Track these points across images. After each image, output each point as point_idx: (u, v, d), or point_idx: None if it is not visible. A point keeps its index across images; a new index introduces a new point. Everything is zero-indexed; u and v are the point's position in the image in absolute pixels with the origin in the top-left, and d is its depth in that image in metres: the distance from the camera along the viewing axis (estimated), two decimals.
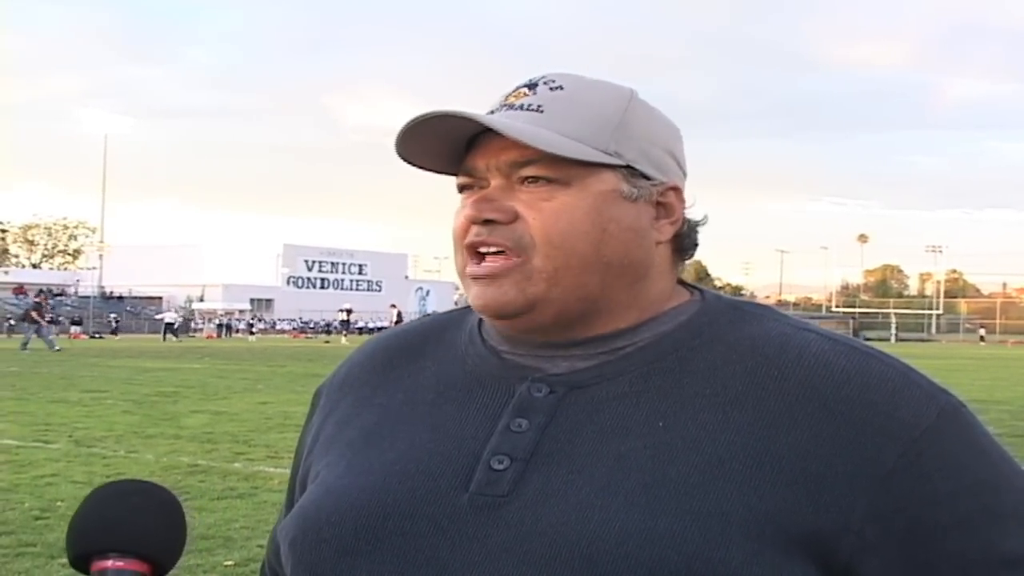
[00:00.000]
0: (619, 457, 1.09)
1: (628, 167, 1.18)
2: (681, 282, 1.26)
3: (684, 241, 1.24)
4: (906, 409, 1.09)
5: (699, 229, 1.26)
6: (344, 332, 66.40)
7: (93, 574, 1.08)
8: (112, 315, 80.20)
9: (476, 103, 1.20)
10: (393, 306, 61.75)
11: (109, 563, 1.07)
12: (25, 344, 38.58)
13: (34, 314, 39.65)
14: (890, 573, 1.06)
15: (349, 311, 71.19)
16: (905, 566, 1.06)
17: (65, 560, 5.85)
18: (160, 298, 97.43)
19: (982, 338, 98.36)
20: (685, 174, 1.25)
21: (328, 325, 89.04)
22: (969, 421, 1.13)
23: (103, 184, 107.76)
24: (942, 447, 1.08)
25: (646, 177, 1.19)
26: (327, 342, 61.13)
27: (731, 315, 1.22)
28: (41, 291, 41.40)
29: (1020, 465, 1.14)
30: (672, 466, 1.07)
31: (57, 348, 38.20)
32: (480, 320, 1.27)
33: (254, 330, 77.79)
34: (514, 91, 1.21)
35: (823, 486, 1.05)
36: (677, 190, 1.22)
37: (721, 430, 1.09)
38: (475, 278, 1.18)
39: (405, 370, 1.29)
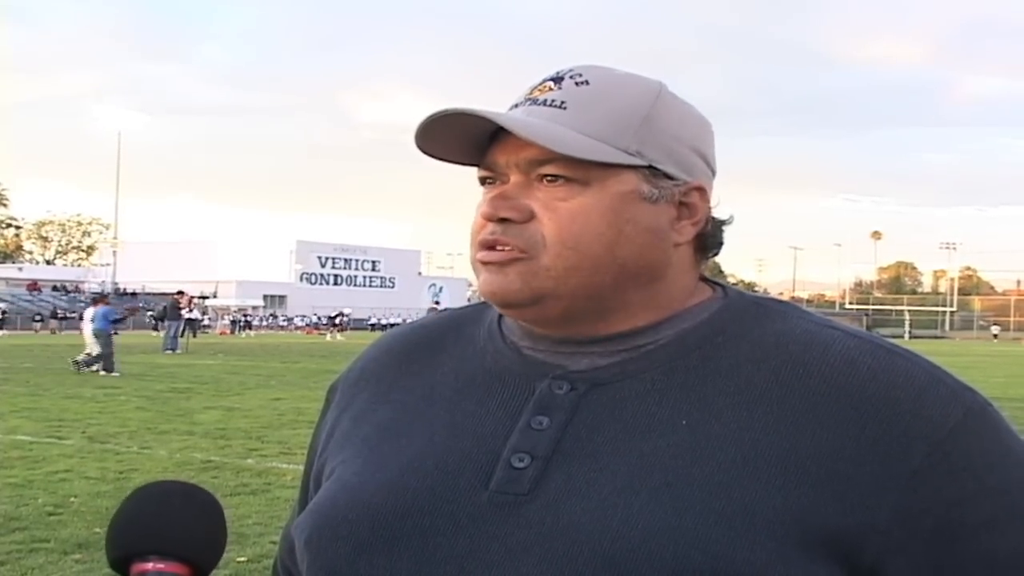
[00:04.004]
0: (641, 455, 1.08)
1: (650, 167, 1.16)
2: (703, 278, 1.24)
3: (708, 241, 1.22)
4: (932, 408, 1.08)
5: (724, 228, 1.24)
6: (333, 329, 66.55)
7: None
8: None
9: (490, 98, 1.19)
10: (436, 303, 61.47)
11: (150, 565, 1.06)
12: (173, 346, 36.01)
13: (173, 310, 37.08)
14: (917, 574, 1.04)
15: (342, 314, 71.52)
16: (932, 566, 1.04)
17: (78, 556, 5.88)
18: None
19: (995, 336, 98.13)
20: (714, 172, 1.23)
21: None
22: (996, 420, 1.11)
23: (117, 181, 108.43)
24: (969, 446, 1.07)
25: (669, 177, 1.17)
26: (334, 338, 61.42)
27: (755, 312, 1.20)
28: (180, 291, 39.51)
29: None
30: (696, 465, 1.06)
31: (178, 351, 35.40)
32: (500, 316, 1.26)
33: (253, 326, 77.92)
34: (540, 84, 1.19)
35: (849, 485, 1.04)
36: (701, 190, 1.19)
37: (745, 428, 1.08)
38: (484, 263, 1.16)
39: (423, 365, 1.28)
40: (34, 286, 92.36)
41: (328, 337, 62.26)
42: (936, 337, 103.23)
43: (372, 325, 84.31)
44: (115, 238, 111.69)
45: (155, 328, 38.92)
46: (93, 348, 25.22)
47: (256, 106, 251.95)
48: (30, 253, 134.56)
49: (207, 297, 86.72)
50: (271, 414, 15.94)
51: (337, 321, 70.53)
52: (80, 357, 25.08)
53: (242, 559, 6.84)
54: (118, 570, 1.08)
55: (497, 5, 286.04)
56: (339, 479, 1.20)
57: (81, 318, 28.12)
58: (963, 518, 1.04)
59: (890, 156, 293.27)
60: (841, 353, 1.12)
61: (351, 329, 75.94)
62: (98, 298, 27.46)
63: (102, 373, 24.06)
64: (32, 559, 6.86)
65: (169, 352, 34.87)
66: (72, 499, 8.92)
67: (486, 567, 1.05)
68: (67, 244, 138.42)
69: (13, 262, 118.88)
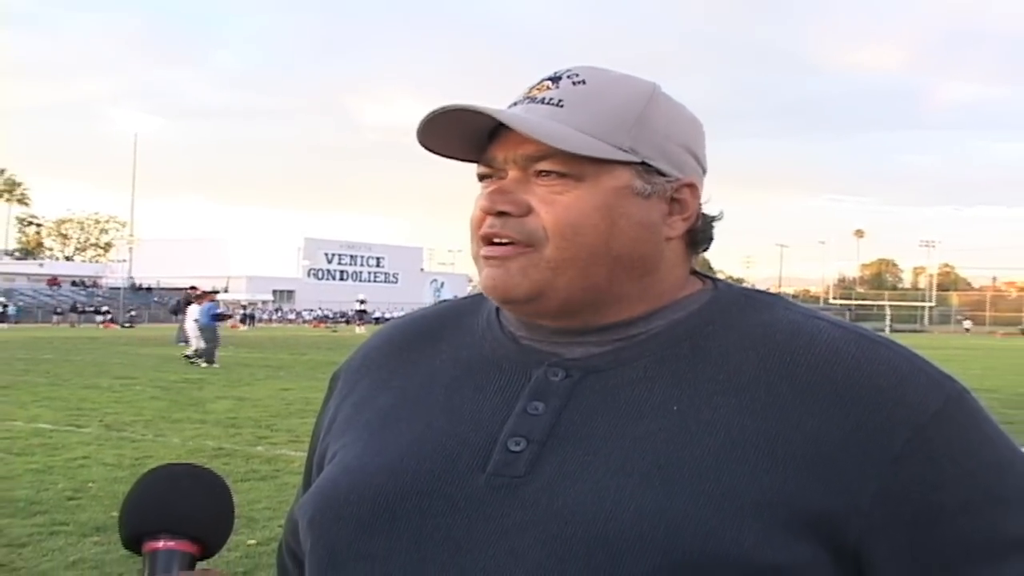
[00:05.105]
0: (634, 440, 1.07)
1: (643, 164, 1.15)
2: (694, 272, 1.24)
3: (699, 236, 1.21)
4: (914, 395, 1.07)
5: (714, 224, 1.23)
6: (359, 322, 66.61)
7: (145, 554, 1.07)
8: (131, 307, 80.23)
9: (488, 99, 1.18)
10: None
11: (160, 543, 1.06)
12: (185, 339, 33.11)
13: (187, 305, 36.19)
14: (897, 555, 1.04)
15: (363, 301, 71.19)
16: (912, 548, 1.04)
17: (96, 538, 5.87)
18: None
19: (967, 330, 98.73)
20: (704, 170, 1.22)
21: (345, 315, 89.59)
22: (974, 407, 1.11)
23: (133, 181, 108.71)
24: (949, 432, 1.06)
25: (661, 174, 1.16)
26: (335, 331, 61.29)
27: (743, 303, 1.19)
28: (193, 286, 38.81)
29: (1022, 450, 1.12)
30: (687, 449, 1.05)
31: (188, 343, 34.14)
32: (497, 306, 1.25)
33: (262, 320, 77.47)
34: (538, 84, 1.18)
35: (833, 469, 1.03)
36: (692, 187, 1.19)
37: (734, 414, 1.07)
38: (486, 258, 1.16)
39: (423, 354, 1.27)
40: (54, 281, 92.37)
41: (358, 330, 62.05)
42: (916, 331, 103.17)
43: (376, 319, 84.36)
44: (131, 235, 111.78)
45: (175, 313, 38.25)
46: (198, 342, 25.71)
47: (265, 109, 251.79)
48: (50, 250, 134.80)
49: (218, 292, 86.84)
50: (279, 404, 15.96)
51: (362, 308, 69.92)
52: (189, 352, 25.51)
53: (252, 542, 6.84)
54: (130, 548, 1.09)
55: (496, 13, 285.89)
56: (341, 462, 1.20)
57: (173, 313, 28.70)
58: (942, 501, 1.04)
59: (872, 158, 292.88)
60: (827, 343, 1.12)
61: (347, 322, 75.79)
62: (202, 295, 27.61)
63: (203, 365, 24.38)
64: (52, 541, 6.87)
65: (182, 344, 34.81)
66: (90, 484, 8.94)
67: (483, 546, 1.04)
68: (85, 241, 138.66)
69: (34, 258, 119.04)
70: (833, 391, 1.07)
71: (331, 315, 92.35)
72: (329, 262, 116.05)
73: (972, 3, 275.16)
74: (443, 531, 1.07)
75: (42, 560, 6.45)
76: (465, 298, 1.34)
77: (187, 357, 25.30)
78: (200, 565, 1.08)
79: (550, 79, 1.18)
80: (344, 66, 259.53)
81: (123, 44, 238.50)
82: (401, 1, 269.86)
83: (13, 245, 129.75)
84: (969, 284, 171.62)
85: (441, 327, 1.30)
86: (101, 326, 66.86)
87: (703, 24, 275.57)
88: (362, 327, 62.51)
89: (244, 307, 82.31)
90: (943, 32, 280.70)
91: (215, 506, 1.11)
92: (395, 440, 1.17)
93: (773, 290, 1.26)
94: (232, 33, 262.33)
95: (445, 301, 1.39)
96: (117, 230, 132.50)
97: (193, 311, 26.65)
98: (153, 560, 1.06)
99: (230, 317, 28.83)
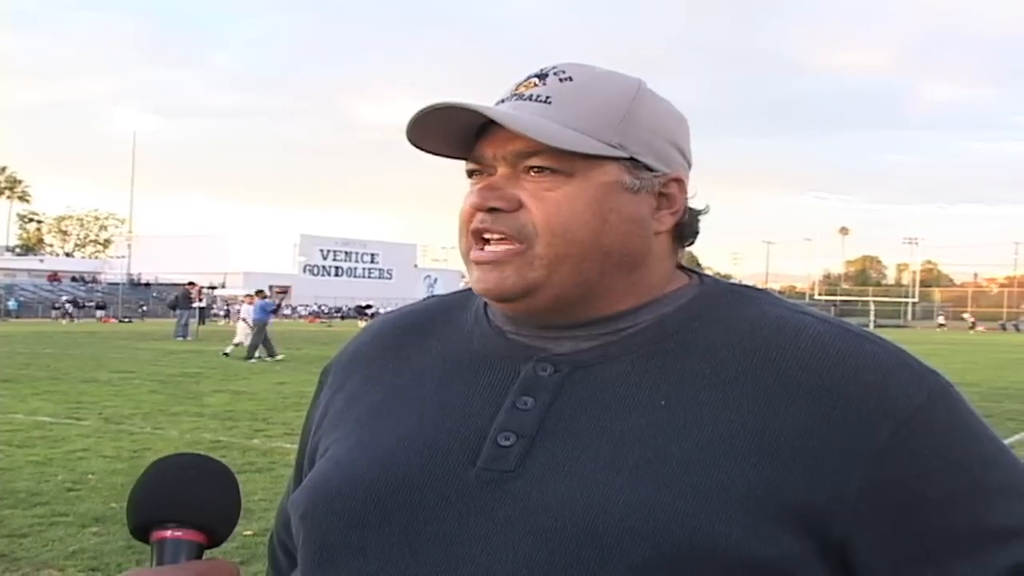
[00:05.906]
0: (622, 434, 1.06)
1: (631, 159, 1.14)
2: (680, 267, 1.23)
3: (685, 230, 1.21)
4: (898, 389, 1.07)
5: (700, 218, 1.22)
6: (360, 317, 67.89)
7: (152, 543, 1.06)
8: (140, 302, 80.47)
9: (481, 98, 1.17)
10: None
11: (168, 533, 1.05)
12: (183, 333, 35.62)
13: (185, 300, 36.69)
14: (883, 546, 1.03)
15: (367, 307, 72.62)
16: (897, 539, 1.03)
17: (95, 529, 5.84)
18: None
19: (941, 324, 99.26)
20: (690, 164, 1.22)
21: (339, 310, 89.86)
22: (957, 400, 1.10)
23: (132, 178, 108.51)
24: (932, 425, 1.06)
25: (649, 169, 1.15)
26: (330, 326, 61.72)
27: (729, 298, 1.19)
28: (192, 282, 39.64)
29: (1004, 442, 1.12)
30: (674, 443, 1.05)
31: (188, 338, 35.07)
32: (485, 301, 1.24)
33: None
34: (525, 80, 1.17)
35: (819, 462, 1.03)
36: (679, 181, 1.18)
37: (721, 408, 1.06)
38: (478, 263, 1.15)
39: (412, 349, 1.26)
40: (54, 277, 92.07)
41: (360, 324, 62.94)
42: (899, 326, 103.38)
43: (372, 314, 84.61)
44: (130, 232, 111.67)
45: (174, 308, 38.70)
46: (244, 339, 26.21)
47: (263, 109, 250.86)
48: (51, 246, 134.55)
49: (215, 288, 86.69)
50: (276, 397, 15.93)
51: (368, 312, 71.48)
52: (229, 349, 25.89)
53: (248, 532, 6.82)
54: (139, 537, 1.08)
55: (489, 16, 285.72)
56: (332, 457, 1.19)
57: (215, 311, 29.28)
58: (926, 493, 1.03)
59: (857, 157, 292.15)
60: (812, 337, 1.11)
61: (351, 318, 76.51)
62: (256, 293, 28.36)
63: (268, 359, 24.84)
64: (52, 532, 6.85)
65: (180, 339, 34.80)
66: (89, 476, 8.92)
67: (474, 540, 1.04)
68: (85, 237, 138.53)
69: (35, 254, 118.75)
70: (819, 385, 1.07)
71: (326, 310, 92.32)
72: (324, 259, 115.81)
73: (954, 6, 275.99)
74: (434, 525, 1.06)
75: (42, 550, 6.43)
76: (453, 293, 1.33)
77: (235, 351, 25.61)
78: (207, 554, 1.08)
79: (537, 76, 1.17)
80: (341, 67, 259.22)
81: (123, 45, 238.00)
82: (397, 4, 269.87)
83: (14, 241, 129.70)
84: (951, 280, 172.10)
85: (430, 322, 1.29)
86: (101, 320, 66.72)
87: (691, 26, 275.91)
88: (363, 322, 63.42)
89: (228, 303, 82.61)
90: (926, 34, 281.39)
91: (222, 496, 1.10)
92: (386, 435, 1.16)
93: (760, 286, 1.26)
94: (231, 35, 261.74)
95: (433, 296, 1.38)
96: (116, 227, 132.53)
97: (246, 309, 27.32)
98: (161, 549, 1.05)
99: (279, 307, 29.89)
